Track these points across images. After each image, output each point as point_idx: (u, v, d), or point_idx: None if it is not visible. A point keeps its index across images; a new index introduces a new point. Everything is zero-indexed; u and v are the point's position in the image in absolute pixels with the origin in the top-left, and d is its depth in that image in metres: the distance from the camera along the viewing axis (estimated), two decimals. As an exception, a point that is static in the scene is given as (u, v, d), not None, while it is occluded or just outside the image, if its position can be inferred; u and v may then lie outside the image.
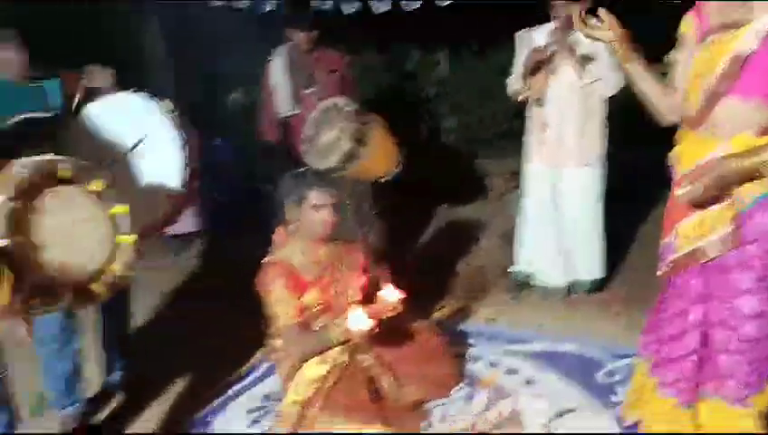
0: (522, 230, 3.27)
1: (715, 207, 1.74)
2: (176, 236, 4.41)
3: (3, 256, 1.47)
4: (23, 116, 2.25)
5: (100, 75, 2.33)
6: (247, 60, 6.20)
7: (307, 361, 2.31)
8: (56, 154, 1.85)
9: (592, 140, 3.06)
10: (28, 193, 1.56)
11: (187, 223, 4.31)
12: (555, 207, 3.12)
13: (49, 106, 2.35)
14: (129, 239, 1.76)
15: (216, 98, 5.70)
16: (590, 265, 3.20)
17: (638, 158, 3.84)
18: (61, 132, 2.29)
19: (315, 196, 2.28)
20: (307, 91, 3.29)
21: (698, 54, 1.76)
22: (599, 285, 3.26)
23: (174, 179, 2.22)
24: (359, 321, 2.19)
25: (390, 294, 2.28)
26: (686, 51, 1.83)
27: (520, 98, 3.07)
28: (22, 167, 1.56)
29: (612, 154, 3.17)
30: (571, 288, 3.22)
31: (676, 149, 1.89)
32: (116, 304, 2.52)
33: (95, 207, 1.72)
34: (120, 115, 2.26)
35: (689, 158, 1.80)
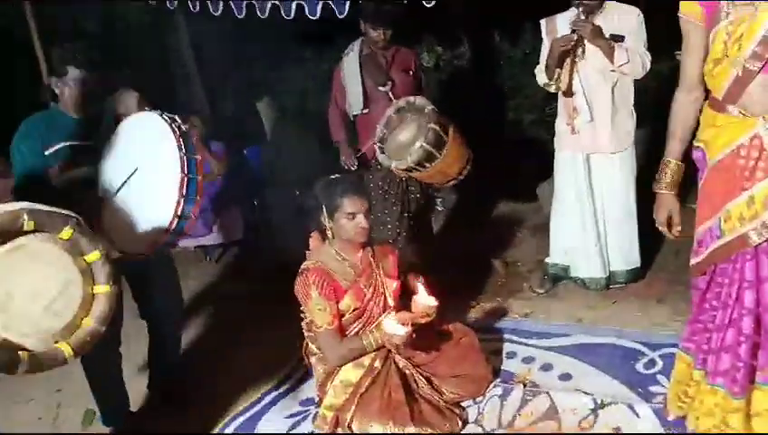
0: (556, 221, 3.21)
1: (764, 184, 1.67)
2: (212, 246, 4.52)
3: None
4: (59, 146, 2.32)
5: (125, 100, 2.37)
6: (274, 68, 6.30)
7: (343, 365, 2.34)
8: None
9: (623, 126, 2.98)
10: None
11: (221, 233, 4.42)
12: (589, 196, 3.05)
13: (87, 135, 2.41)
14: (105, 289, 1.65)
15: (245, 107, 5.79)
16: (626, 254, 3.13)
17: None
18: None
19: (349, 203, 2.29)
20: (381, 90, 3.24)
21: (720, 33, 1.69)
22: (637, 275, 3.17)
23: (172, 192, 2.09)
24: (395, 328, 2.21)
25: (425, 301, 2.28)
26: (696, 34, 1.76)
27: (551, 90, 3.00)
28: None
29: (645, 138, 3.09)
30: (609, 279, 3.15)
31: (703, 134, 1.83)
32: (160, 311, 2.62)
33: (65, 257, 1.60)
34: (133, 137, 2.29)
35: (723, 141, 1.74)
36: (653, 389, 2.31)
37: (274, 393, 2.71)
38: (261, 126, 5.38)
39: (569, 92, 2.93)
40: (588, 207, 3.06)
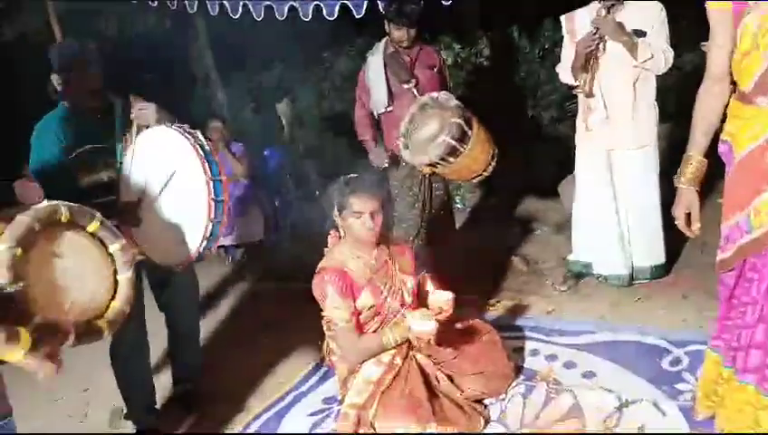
0: (578, 217, 3.18)
1: None
2: (234, 246, 4.56)
3: (8, 302, 1.52)
4: (81, 149, 2.35)
5: (145, 114, 2.36)
6: (293, 70, 6.35)
7: (364, 362, 2.35)
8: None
9: (645, 121, 2.93)
10: (30, 239, 1.62)
11: (242, 233, 4.46)
12: (611, 192, 3.02)
13: (106, 138, 2.43)
14: (127, 275, 1.84)
15: (265, 108, 5.84)
16: (650, 250, 3.09)
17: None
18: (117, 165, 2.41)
19: (356, 202, 2.29)
20: (405, 87, 3.25)
21: (749, 25, 1.65)
22: (661, 272, 3.13)
23: (200, 214, 2.22)
24: (422, 324, 2.21)
25: (438, 296, 2.27)
26: (724, 25, 1.73)
27: (576, 92, 2.98)
28: (23, 215, 1.63)
29: (669, 133, 3.04)
30: (632, 276, 3.11)
31: (730, 126, 1.80)
32: (179, 311, 2.68)
33: (94, 247, 1.80)
34: (154, 150, 2.33)
35: (750, 133, 1.71)
36: (679, 386, 2.27)
37: (297, 392, 2.73)
38: (280, 127, 5.42)
39: (590, 93, 2.90)
40: (609, 203, 3.03)
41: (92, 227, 1.79)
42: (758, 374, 1.79)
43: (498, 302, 3.23)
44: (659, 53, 2.76)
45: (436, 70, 3.34)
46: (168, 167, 2.26)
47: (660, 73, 2.86)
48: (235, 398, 2.79)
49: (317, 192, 4.58)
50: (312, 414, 2.55)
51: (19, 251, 1.57)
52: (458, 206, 4.79)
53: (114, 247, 1.83)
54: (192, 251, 2.27)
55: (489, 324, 2.64)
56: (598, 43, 2.79)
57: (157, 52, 5.80)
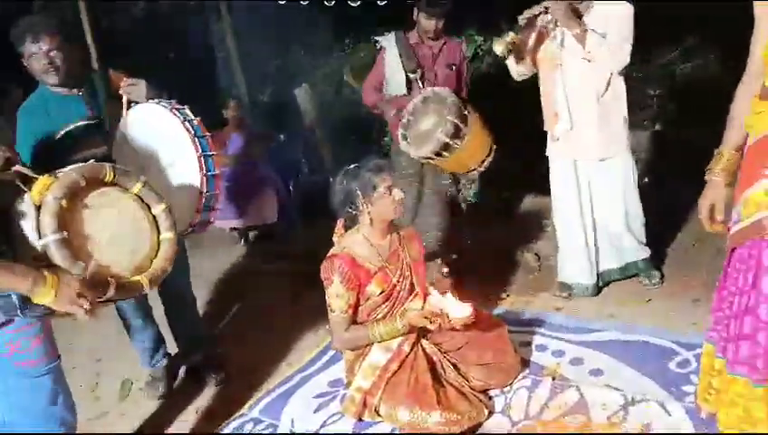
0: (556, 226, 3.13)
1: None
2: (247, 228, 4.60)
3: (55, 250, 1.60)
4: (71, 126, 2.37)
5: (136, 89, 2.39)
6: (313, 55, 6.34)
7: (344, 349, 2.41)
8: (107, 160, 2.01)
9: (614, 131, 2.82)
10: (75, 193, 1.70)
11: (256, 215, 4.49)
12: (578, 202, 2.94)
13: (93, 114, 2.45)
14: (169, 235, 1.92)
15: (283, 93, 5.85)
16: (624, 248, 3.04)
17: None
18: (110, 139, 2.43)
19: (384, 180, 2.31)
20: (411, 77, 3.27)
21: None
22: (641, 271, 3.07)
23: (193, 187, 2.27)
24: (460, 310, 2.24)
25: (460, 313, 2.27)
26: (763, 24, 1.72)
27: (518, 78, 2.93)
28: (71, 170, 1.73)
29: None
30: (598, 286, 3.06)
31: (750, 120, 1.80)
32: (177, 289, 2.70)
33: (137, 207, 1.88)
34: (144, 127, 2.36)
35: (759, 127, 1.73)
36: (686, 388, 2.26)
37: (304, 374, 2.76)
38: (298, 112, 5.44)
39: (548, 89, 2.82)
40: (576, 213, 2.96)
41: (136, 188, 1.88)
42: (748, 366, 1.79)
43: (507, 296, 3.23)
44: (611, 48, 2.64)
45: (456, 66, 3.34)
46: (160, 144, 2.31)
47: (615, 70, 2.71)
48: (242, 378, 2.83)
49: (331, 178, 4.60)
50: (317, 396, 2.58)
51: (64, 202, 1.65)
52: (471, 200, 4.77)
53: (157, 209, 1.91)
54: (185, 224, 2.29)
55: (497, 318, 2.64)
56: (547, 29, 2.73)
57: (180, 32, 5.83)
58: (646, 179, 4.20)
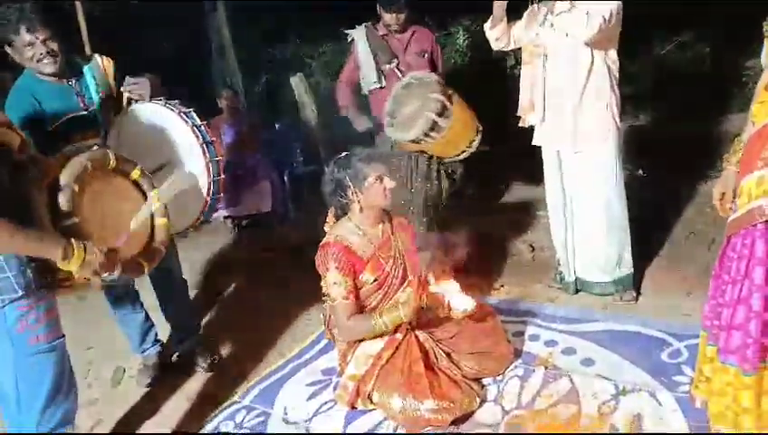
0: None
1: None
2: (241, 216, 4.59)
3: (71, 231, 1.69)
4: (62, 117, 2.34)
5: (139, 88, 2.38)
6: (308, 44, 6.29)
7: (350, 340, 2.39)
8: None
9: (594, 122, 2.69)
10: (85, 179, 1.79)
11: (250, 204, 4.48)
12: (561, 194, 2.89)
13: (85, 105, 2.41)
14: (163, 221, 2.04)
15: (278, 82, 5.82)
16: (594, 262, 2.90)
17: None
18: (102, 132, 2.43)
19: (374, 168, 2.31)
20: (387, 67, 3.35)
21: None
22: (613, 290, 2.91)
23: (198, 191, 2.34)
24: (463, 303, 2.25)
25: (462, 305, 2.27)
26: None
27: (495, 46, 2.88)
28: (80, 157, 1.81)
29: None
30: (578, 286, 3.01)
31: (754, 107, 1.83)
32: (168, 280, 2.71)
33: (136, 193, 1.99)
34: (146, 126, 2.37)
35: (759, 118, 1.77)
36: (677, 378, 2.28)
37: (297, 362, 2.76)
38: (293, 101, 5.42)
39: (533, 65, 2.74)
40: (559, 205, 2.93)
41: (135, 174, 1.98)
42: (738, 355, 1.82)
43: (501, 286, 3.24)
44: (580, 14, 2.48)
45: (427, 54, 3.38)
46: (164, 145, 2.33)
47: (582, 39, 2.51)
48: (235, 366, 2.83)
49: (326, 166, 4.59)
50: (310, 384, 2.58)
51: (76, 188, 1.73)
52: (469, 192, 4.77)
53: (153, 195, 2.01)
54: (188, 223, 2.41)
55: (490, 307, 2.65)
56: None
57: (174, 20, 5.78)
58: (641, 172, 4.22)
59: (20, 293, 1.71)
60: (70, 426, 1.91)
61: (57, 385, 1.83)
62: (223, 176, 2.41)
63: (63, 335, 1.87)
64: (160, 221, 2.05)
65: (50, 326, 1.80)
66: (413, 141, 2.96)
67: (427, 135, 2.89)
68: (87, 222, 1.77)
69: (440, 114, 2.85)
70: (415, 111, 2.96)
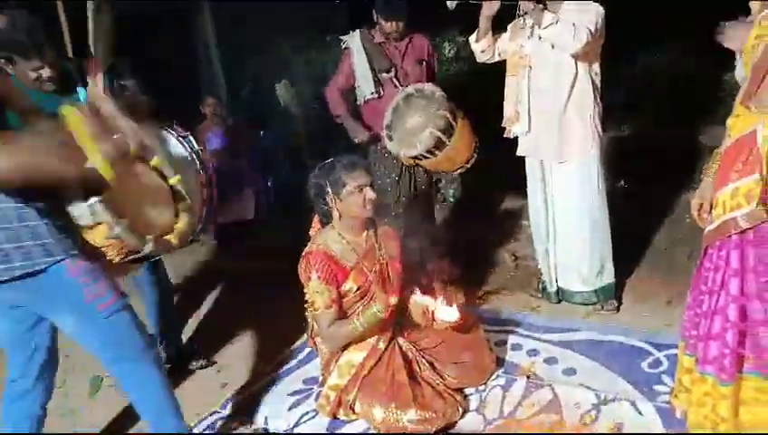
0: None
1: (749, 179, 1.72)
2: (226, 223, 4.55)
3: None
4: None
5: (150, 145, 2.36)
6: (293, 51, 6.28)
7: (336, 348, 2.37)
8: None
9: (575, 135, 2.70)
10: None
11: (234, 212, 4.45)
12: (544, 205, 2.90)
13: None
14: (186, 203, 2.12)
15: (263, 89, 5.79)
16: (585, 273, 2.89)
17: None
18: None
19: (355, 177, 2.29)
20: (385, 76, 3.23)
21: (753, 32, 1.74)
22: (596, 299, 2.92)
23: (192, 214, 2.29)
24: (447, 314, 2.25)
25: (446, 317, 2.29)
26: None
27: (480, 58, 2.89)
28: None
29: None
30: (560, 295, 3.02)
31: (729, 120, 1.86)
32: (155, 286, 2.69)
33: (157, 178, 2.08)
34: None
35: (734, 132, 1.80)
36: (657, 388, 2.30)
37: (278, 371, 2.74)
38: (278, 108, 5.39)
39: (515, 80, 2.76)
40: (541, 215, 2.93)
41: (155, 161, 2.04)
42: (716, 365, 1.84)
43: (484, 295, 3.24)
44: (567, 27, 2.50)
45: (424, 62, 3.30)
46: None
47: (570, 51, 2.55)
48: (216, 375, 2.79)
49: (310, 174, 4.58)
50: (292, 394, 2.56)
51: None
52: (451, 200, 4.79)
53: (173, 180, 2.09)
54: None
55: (474, 317, 2.65)
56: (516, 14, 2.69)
57: (159, 27, 5.74)
58: (622, 182, 4.27)
59: (76, 251, 1.80)
60: None
61: (137, 338, 1.93)
62: (215, 199, 2.35)
63: (127, 295, 1.98)
64: (183, 205, 2.11)
65: (112, 288, 1.90)
66: (413, 157, 2.90)
67: (430, 152, 2.83)
68: (116, 202, 1.81)
69: (445, 131, 2.79)
70: (416, 126, 2.89)
